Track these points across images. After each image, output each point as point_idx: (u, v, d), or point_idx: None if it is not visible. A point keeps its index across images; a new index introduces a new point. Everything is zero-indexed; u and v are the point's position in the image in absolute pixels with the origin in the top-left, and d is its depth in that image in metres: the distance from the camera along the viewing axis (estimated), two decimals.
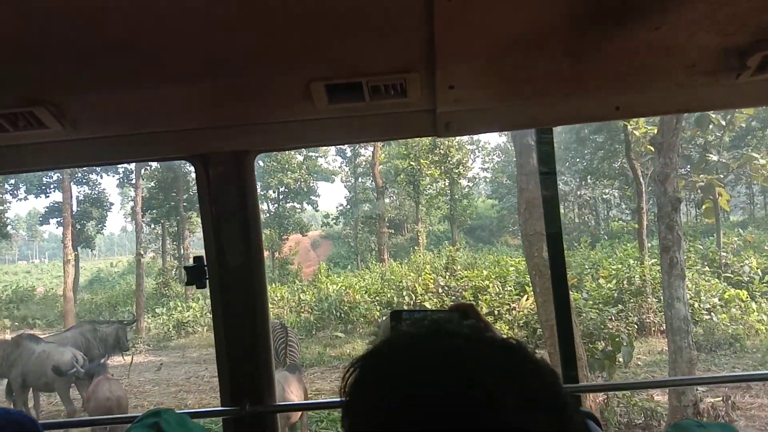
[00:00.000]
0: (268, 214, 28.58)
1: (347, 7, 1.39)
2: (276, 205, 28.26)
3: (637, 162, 15.65)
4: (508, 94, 1.78)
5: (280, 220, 27.29)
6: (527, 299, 15.40)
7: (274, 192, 27.83)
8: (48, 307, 24.88)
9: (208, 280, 2.02)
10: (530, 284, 16.12)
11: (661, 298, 14.08)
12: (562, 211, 32.31)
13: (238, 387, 2.01)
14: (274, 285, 21.67)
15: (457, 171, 23.98)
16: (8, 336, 16.80)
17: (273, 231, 26.84)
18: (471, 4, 1.36)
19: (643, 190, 15.51)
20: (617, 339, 9.58)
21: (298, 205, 28.94)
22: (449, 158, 23.13)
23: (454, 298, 16.36)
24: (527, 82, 1.67)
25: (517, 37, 1.46)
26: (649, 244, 15.99)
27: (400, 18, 1.43)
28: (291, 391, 7.83)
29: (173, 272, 25.52)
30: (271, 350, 2.07)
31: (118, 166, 25.27)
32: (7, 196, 26.91)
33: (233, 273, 1.99)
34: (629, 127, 14.65)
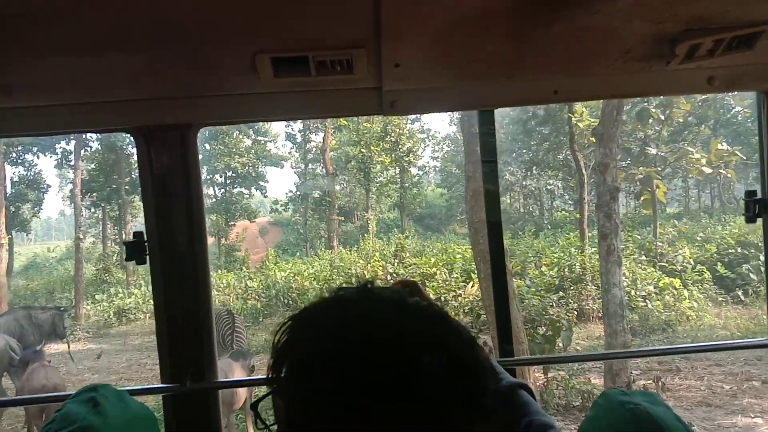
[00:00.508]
0: (214, 200, 28.01)
1: None
2: (223, 190, 27.71)
3: (580, 153, 16.18)
4: (453, 74, 1.80)
5: (227, 206, 26.80)
6: (473, 286, 15.73)
7: (221, 176, 27.25)
8: None
9: (148, 256, 1.98)
10: (476, 271, 16.60)
11: (599, 286, 14.78)
12: (508, 200, 33.13)
13: (179, 364, 1.98)
14: (220, 272, 21.32)
15: (407, 159, 24.14)
16: None
17: (219, 217, 26.34)
18: None
19: (585, 180, 16.05)
20: (558, 324, 9.93)
21: (245, 191, 28.51)
22: (400, 146, 23.25)
23: None
24: (471, 62, 1.70)
25: (463, 17, 1.47)
26: (590, 234, 16.60)
27: None
28: (236, 377, 7.76)
29: (114, 258, 24.69)
30: (213, 327, 2.05)
31: (56, 146, 24.21)
32: None
33: (175, 248, 1.96)
34: (573, 119, 15.12)
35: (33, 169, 25.80)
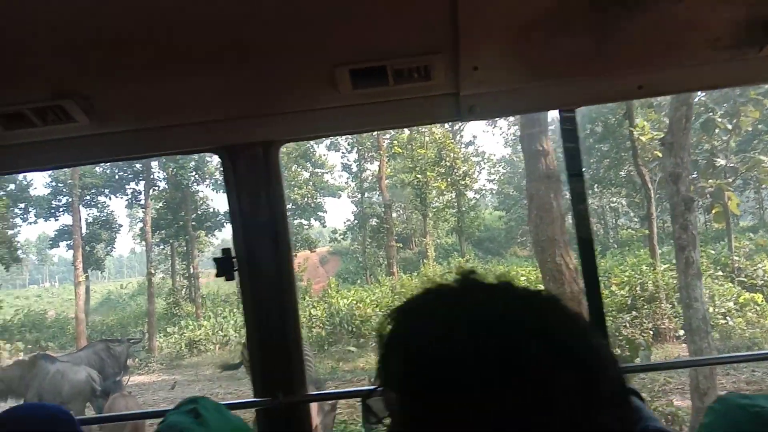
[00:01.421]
0: None
1: None
2: None
3: (644, 168, 15.63)
4: (532, 75, 1.77)
5: None
6: None
7: None
8: (60, 330, 24.94)
9: (237, 272, 2.02)
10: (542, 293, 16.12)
11: (675, 304, 14.06)
12: (569, 222, 32.14)
13: (271, 378, 2.01)
14: None
15: (463, 183, 23.98)
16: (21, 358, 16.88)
17: None
18: None
19: (652, 195, 15.47)
20: (635, 344, 9.49)
21: (305, 222, 28.99)
22: (455, 170, 23.15)
23: None
24: (550, 62, 1.68)
25: (540, 17, 1.46)
26: (660, 250, 15.89)
27: None
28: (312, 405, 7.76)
29: (183, 292, 25.56)
30: (301, 340, 2.06)
31: (126, 187, 25.48)
32: (17, 220, 27.15)
33: (262, 264, 1.99)
34: (635, 133, 14.68)
35: (105, 210, 27.26)
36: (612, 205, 30.25)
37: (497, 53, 1.61)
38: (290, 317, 2.02)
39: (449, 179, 23.28)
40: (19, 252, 29.43)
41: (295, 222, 28.28)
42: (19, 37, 1.44)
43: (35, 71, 1.55)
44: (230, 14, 1.41)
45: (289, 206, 27.74)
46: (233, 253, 2.02)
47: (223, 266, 2.00)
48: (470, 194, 26.77)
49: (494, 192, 34.65)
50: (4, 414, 1.48)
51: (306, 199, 26.53)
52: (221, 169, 2.09)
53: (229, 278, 2.01)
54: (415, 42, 1.54)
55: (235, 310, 21.99)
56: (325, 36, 1.51)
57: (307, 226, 28.99)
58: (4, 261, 25.37)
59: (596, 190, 28.75)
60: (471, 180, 24.73)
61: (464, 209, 26.50)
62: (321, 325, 17.94)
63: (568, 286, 8.29)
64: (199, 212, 25.42)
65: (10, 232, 27.23)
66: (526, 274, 17.63)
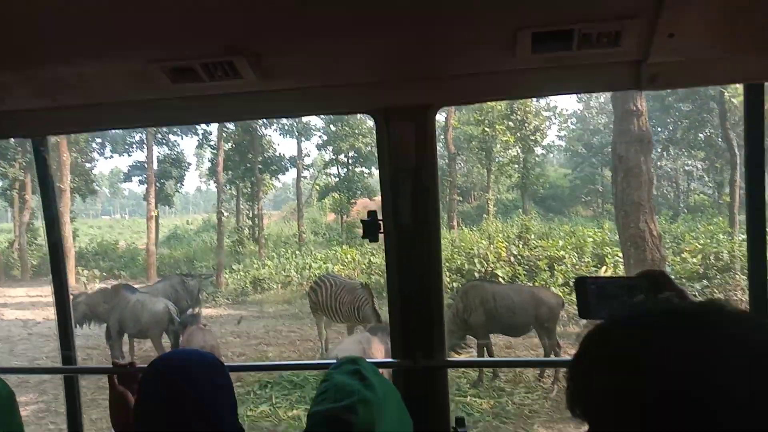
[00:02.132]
0: (337, 179, 28.92)
1: None
2: (345, 170, 28.50)
3: (732, 132, 14.72)
4: (727, 46, 1.63)
5: (348, 184, 27.54)
6: (606, 270, 14.98)
7: (345, 156, 28.03)
8: (131, 260, 26.29)
9: (382, 234, 2.01)
10: (608, 256, 15.77)
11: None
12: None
13: (410, 340, 2.02)
14: (344, 247, 22.03)
15: (533, 138, 23.30)
16: (97, 285, 18.00)
17: (342, 195, 27.17)
18: None
19: (738, 162, 14.61)
20: None
21: (366, 170, 29.09)
22: (526, 124, 22.48)
23: (527, 267, 16.11)
24: (750, 33, 1.54)
25: None
26: (740, 218, 15.11)
27: None
28: (376, 353, 7.95)
29: (246, 231, 26.40)
30: (443, 306, 2.06)
31: (197, 127, 26.10)
32: (95, 154, 28.45)
33: (408, 227, 1.98)
34: (726, 94, 13.76)
35: (176, 149, 28.16)
36: (686, 168, 28.83)
37: (699, 20, 1.48)
38: (434, 282, 2.02)
39: (519, 134, 22.65)
40: (95, 184, 31.02)
41: (357, 170, 28.42)
42: None
43: (209, 27, 1.55)
44: None
45: (351, 154, 27.88)
46: (379, 215, 2.02)
47: (369, 227, 2.01)
48: (538, 150, 26.00)
49: (562, 148, 33.59)
50: (169, 353, 1.55)
51: (369, 148, 26.47)
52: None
53: (373, 240, 2.03)
54: (610, 5, 1.44)
55: (296, 252, 22.58)
56: None
57: (368, 174, 29.09)
58: (81, 192, 26.83)
59: (672, 152, 27.43)
60: (541, 135, 23.96)
61: (530, 165, 25.85)
62: (380, 272, 18.18)
63: (650, 253, 8.03)
64: (266, 156, 25.86)
65: (88, 165, 28.63)
66: (593, 235, 17.19)
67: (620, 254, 14.14)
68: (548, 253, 16.30)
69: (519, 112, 21.98)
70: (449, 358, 2.25)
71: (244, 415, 8.17)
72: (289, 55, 1.70)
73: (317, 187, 30.00)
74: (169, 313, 10.29)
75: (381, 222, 2.00)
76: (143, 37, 1.60)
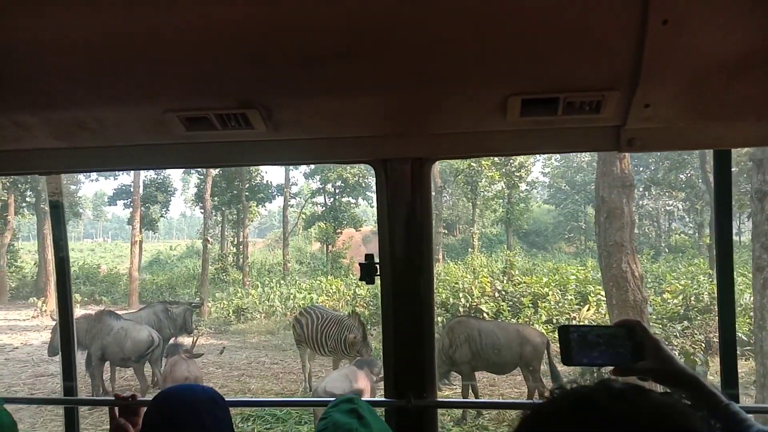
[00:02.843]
0: (323, 208, 28.99)
1: (559, 26, 1.45)
2: (332, 199, 28.61)
3: (711, 174, 15.10)
4: (698, 115, 1.78)
5: (335, 214, 27.62)
6: (588, 309, 15.11)
7: (332, 186, 28.16)
8: (111, 285, 25.94)
9: (378, 277, 2.12)
10: (591, 294, 15.92)
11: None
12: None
13: (403, 380, 2.11)
14: (328, 278, 21.98)
15: (518, 174, 23.68)
16: (78, 311, 17.69)
17: (328, 224, 27.20)
18: (684, 28, 1.41)
19: None
20: (691, 356, 9.30)
21: (353, 200, 29.23)
22: (511, 161, 22.86)
23: (511, 303, 16.18)
24: (722, 104, 1.69)
25: (722, 60, 1.49)
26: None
27: (609, 38, 1.49)
28: (362, 386, 7.92)
29: (230, 259, 26.21)
30: (434, 348, 2.15)
31: None
32: (81, 177, 28.24)
33: (404, 272, 2.09)
34: None
35: (162, 173, 28.08)
36: (668, 208, 29.39)
37: (671, 93, 1.64)
38: (426, 325, 2.12)
39: (504, 169, 23.01)
40: (79, 207, 30.73)
41: (343, 200, 28.55)
42: (212, 49, 1.55)
43: (225, 81, 1.67)
44: (420, 39, 1.49)
45: (338, 184, 28.02)
46: (376, 259, 2.13)
47: (367, 270, 2.12)
48: (522, 186, 26.38)
49: (545, 185, 34.11)
50: (169, 388, 1.61)
51: (357, 178, 26.66)
52: None
53: (369, 282, 2.14)
54: (593, 77, 1.59)
55: (281, 281, 22.46)
56: (505, 66, 1.58)
57: (354, 205, 29.22)
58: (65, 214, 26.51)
59: (653, 191, 27.97)
60: (525, 172, 24.36)
61: (514, 200, 26.20)
62: (365, 304, 18.14)
63: (632, 294, 8.17)
64: (253, 183, 25.88)
65: (73, 187, 28.44)
66: (576, 273, 17.36)
67: (602, 293, 14.35)
68: (532, 290, 16.41)
69: None
70: (439, 399, 2.33)
71: None
72: (297, 110, 1.82)
73: (303, 215, 30.02)
74: (152, 342, 10.17)
75: (378, 265, 2.10)
76: (161, 87, 1.70)
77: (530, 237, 32.04)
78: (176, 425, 1.46)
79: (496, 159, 22.33)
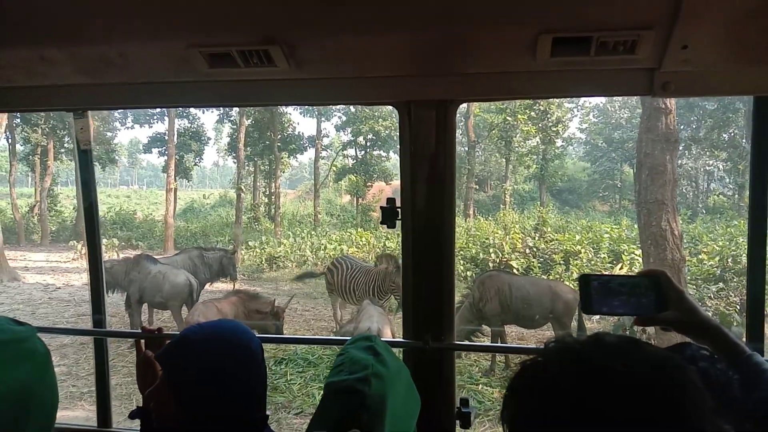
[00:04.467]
0: (354, 160, 28.96)
1: None
2: (363, 152, 28.52)
3: None
4: (737, 58, 1.69)
5: (365, 167, 27.58)
6: (621, 268, 14.95)
7: (363, 139, 28.02)
8: (148, 231, 26.61)
9: (400, 221, 2.13)
10: (624, 253, 15.72)
11: None
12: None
13: (422, 323, 2.14)
14: (359, 230, 22.15)
15: (555, 129, 23.14)
16: (115, 254, 18.28)
17: (358, 177, 27.23)
18: None
19: None
20: (727, 318, 9.17)
21: (384, 153, 29.10)
22: (548, 115, 22.32)
23: (542, 260, 16.10)
24: (760, 47, 1.61)
25: (762, 1, 1.42)
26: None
27: None
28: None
29: (262, 209, 26.59)
30: (453, 293, 2.17)
31: None
32: (116, 124, 28.72)
33: (425, 214, 2.08)
34: None
35: (196, 122, 28.31)
36: (708, 168, 28.50)
37: (712, 34, 1.56)
38: (446, 269, 2.12)
39: (540, 125, 22.50)
40: (115, 154, 31.32)
41: (374, 153, 28.44)
42: None
43: (248, 17, 1.64)
44: None
45: (370, 137, 27.87)
46: (398, 203, 2.14)
47: (388, 214, 2.13)
48: (558, 142, 25.82)
49: (582, 141, 33.32)
50: (210, 322, 1.61)
51: (389, 131, 26.43)
52: None
53: (390, 226, 2.14)
54: (627, 15, 1.52)
55: (312, 232, 22.73)
56: (536, 4, 1.52)
57: (385, 158, 29.10)
58: (101, 161, 27.13)
59: (693, 151, 27.10)
60: (563, 127, 23.78)
61: (549, 157, 25.70)
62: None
63: (671, 253, 8.02)
64: (285, 134, 25.93)
65: (109, 134, 28.92)
66: (610, 231, 17.13)
67: (637, 252, 14.11)
68: (564, 247, 16.27)
69: (542, 103, 21.82)
70: (456, 342, 2.37)
71: None
72: (321, 48, 1.79)
73: (334, 168, 30.07)
74: (190, 285, 10.47)
75: (399, 209, 2.11)
76: (185, 22, 1.69)
77: (564, 194, 31.57)
78: (204, 360, 1.46)
79: (533, 114, 21.85)
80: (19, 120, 24.42)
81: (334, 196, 33.30)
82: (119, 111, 27.33)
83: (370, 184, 27.70)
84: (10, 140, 25.40)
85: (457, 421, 2.06)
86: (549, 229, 17.84)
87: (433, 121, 2.01)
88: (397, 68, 1.91)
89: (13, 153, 26.14)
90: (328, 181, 31.52)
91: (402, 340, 2.20)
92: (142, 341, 1.94)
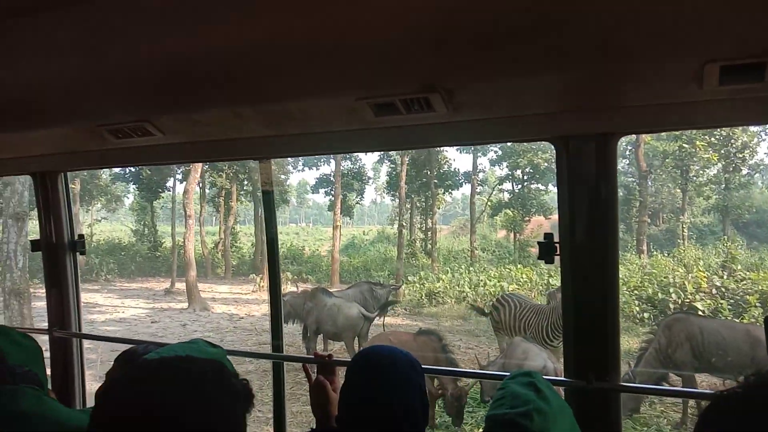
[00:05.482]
0: (510, 195, 28.50)
1: None
2: (520, 186, 27.97)
3: None
4: None
5: (523, 201, 26.99)
6: None
7: (520, 172, 27.55)
8: (315, 266, 28.38)
9: (558, 256, 2.09)
10: None
11: None
12: None
13: (584, 360, 2.05)
14: (518, 266, 21.60)
15: (740, 156, 20.79)
16: (290, 287, 19.73)
17: (515, 212, 26.69)
18: None
19: None
20: None
21: (542, 187, 28.25)
22: (732, 141, 20.15)
23: (732, 301, 14.38)
24: None
25: None
26: None
27: None
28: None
29: (418, 244, 27.09)
30: (619, 330, 2.06)
31: None
32: (289, 167, 31.39)
33: (586, 251, 2.01)
34: None
35: (358, 163, 29.93)
36: None
37: None
38: (611, 306, 2.03)
39: (723, 151, 20.37)
40: (287, 195, 34.16)
41: (532, 186, 27.76)
42: (397, 36, 1.60)
43: (409, 67, 1.74)
44: (599, 15, 1.40)
45: (527, 169, 27.29)
46: (556, 238, 2.11)
47: (546, 249, 2.11)
48: (744, 169, 23.16)
49: None
50: (371, 347, 1.75)
51: (547, 164, 25.71)
52: None
53: (548, 261, 2.13)
54: None
55: (469, 268, 22.63)
56: (699, 30, 1.40)
57: (543, 192, 28.24)
58: (276, 202, 29.69)
59: None
60: (750, 153, 21.31)
61: (733, 186, 23.09)
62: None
63: None
64: (441, 171, 26.37)
65: (283, 177, 31.65)
66: None
67: None
68: (759, 287, 14.41)
69: (724, 128, 19.81)
70: (623, 383, 2.28)
71: None
72: (477, 91, 1.84)
73: (490, 203, 29.81)
74: (363, 318, 10.94)
75: (557, 244, 2.07)
76: (354, 77, 1.85)
77: (750, 227, 27.98)
78: (375, 381, 1.56)
79: (713, 140, 19.90)
80: (206, 166, 27.75)
81: (489, 232, 32.91)
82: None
83: (528, 218, 27.02)
84: (200, 185, 28.88)
85: None
86: (739, 267, 15.92)
87: (592, 155, 1.97)
88: (553, 104, 1.91)
89: (203, 196, 29.64)
90: (483, 216, 31.31)
91: (562, 378, 2.14)
92: (315, 366, 2.11)
